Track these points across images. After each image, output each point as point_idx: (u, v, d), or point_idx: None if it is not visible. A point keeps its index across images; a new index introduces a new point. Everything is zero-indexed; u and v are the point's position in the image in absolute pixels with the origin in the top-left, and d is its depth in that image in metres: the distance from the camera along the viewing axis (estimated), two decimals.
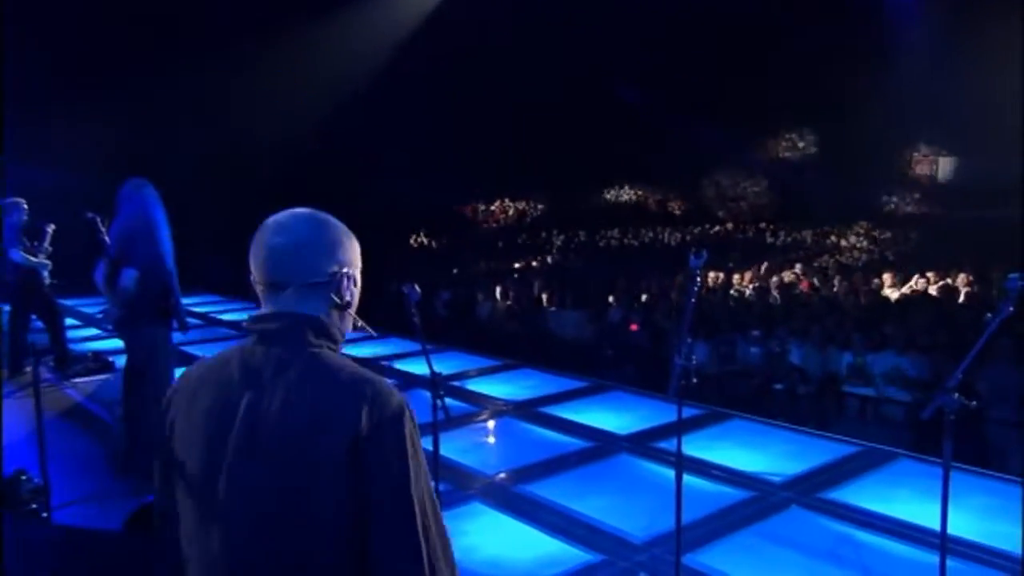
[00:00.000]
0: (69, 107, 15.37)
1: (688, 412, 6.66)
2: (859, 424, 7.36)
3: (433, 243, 21.69)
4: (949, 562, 3.95)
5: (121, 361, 4.78)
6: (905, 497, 4.80)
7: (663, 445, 5.76)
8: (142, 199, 4.54)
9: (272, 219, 1.48)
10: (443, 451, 3.69)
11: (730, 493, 4.93)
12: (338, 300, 1.46)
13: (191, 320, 11.01)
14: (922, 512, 4.55)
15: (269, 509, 1.33)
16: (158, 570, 1.48)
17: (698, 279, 2.40)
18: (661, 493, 4.87)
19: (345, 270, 1.47)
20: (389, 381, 1.42)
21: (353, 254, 1.50)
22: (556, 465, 5.47)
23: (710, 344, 9.08)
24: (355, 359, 1.48)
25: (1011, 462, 5.98)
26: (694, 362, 2.98)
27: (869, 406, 7.67)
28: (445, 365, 9.01)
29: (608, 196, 27.98)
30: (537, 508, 4.74)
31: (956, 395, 2.66)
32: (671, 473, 5.29)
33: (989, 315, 2.52)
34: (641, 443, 5.83)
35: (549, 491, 4.97)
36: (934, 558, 3.99)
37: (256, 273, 1.47)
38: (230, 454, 1.36)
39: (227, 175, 17.49)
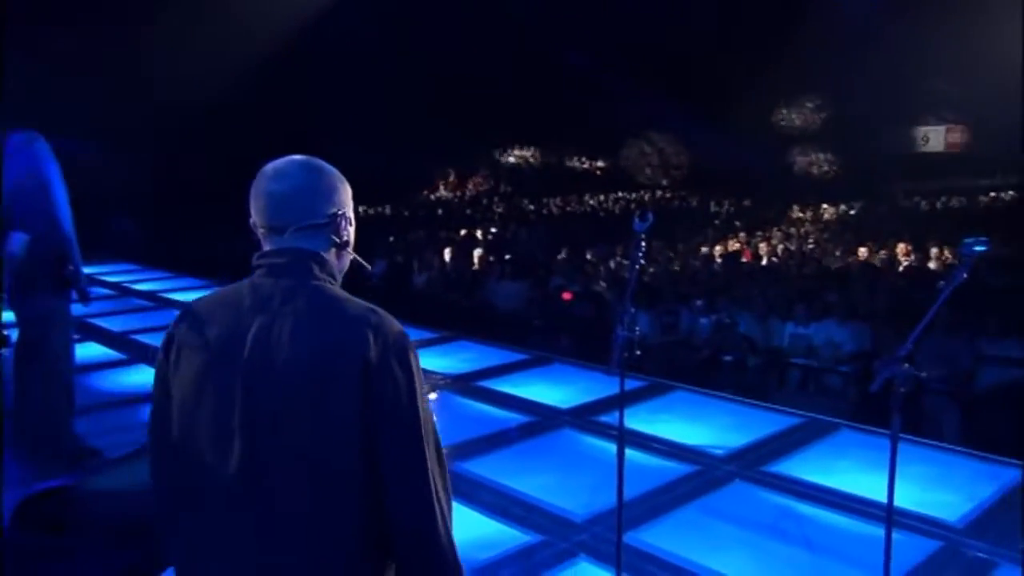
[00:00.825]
0: None
1: (630, 384, 6.63)
2: (802, 395, 7.47)
3: (371, 211, 21.26)
4: (882, 530, 4.04)
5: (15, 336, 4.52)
6: (847, 468, 4.86)
7: (605, 419, 5.73)
8: (33, 154, 4.18)
9: (270, 166, 1.60)
10: None
11: (673, 467, 4.92)
12: (337, 240, 1.61)
13: (98, 291, 10.56)
14: (864, 483, 4.61)
15: (286, 423, 1.45)
16: (156, 492, 1.60)
17: (643, 244, 2.29)
18: (603, 468, 4.80)
19: (342, 211, 1.61)
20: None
21: (347, 196, 1.64)
22: (495, 441, 5.39)
23: (652, 314, 9.09)
24: None
25: (945, 430, 6.15)
26: (637, 333, 2.89)
27: (811, 377, 7.80)
28: None
29: (552, 163, 27.92)
30: (474, 487, 4.64)
31: (906, 365, 2.64)
32: (614, 448, 5.31)
33: (942, 283, 2.48)
34: (582, 417, 5.79)
35: (487, 469, 4.88)
36: (877, 530, 4.06)
37: (257, 217, 1.59)
38: (243, 375, 1.47)
39: (142, 132, 16.74)
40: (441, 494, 1.53)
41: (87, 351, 7.76)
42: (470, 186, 27.43)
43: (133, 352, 7.69)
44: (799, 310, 8.19)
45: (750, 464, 4.94)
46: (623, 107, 22.68)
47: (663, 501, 4.44)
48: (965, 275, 2.43)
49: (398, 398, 1.49)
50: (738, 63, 20.66)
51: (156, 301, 10.53)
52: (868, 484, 4.59)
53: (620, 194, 24.88)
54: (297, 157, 1.63)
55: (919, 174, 22.17)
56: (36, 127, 4.30)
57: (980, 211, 18.91)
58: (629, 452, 5.12)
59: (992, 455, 5.03)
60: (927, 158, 23.67)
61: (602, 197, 23.98)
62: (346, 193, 1.65)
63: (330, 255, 1.61)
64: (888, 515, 2.96)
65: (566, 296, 10.07)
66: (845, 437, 5.44)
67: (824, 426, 5.61)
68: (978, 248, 2.41)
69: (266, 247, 1.60)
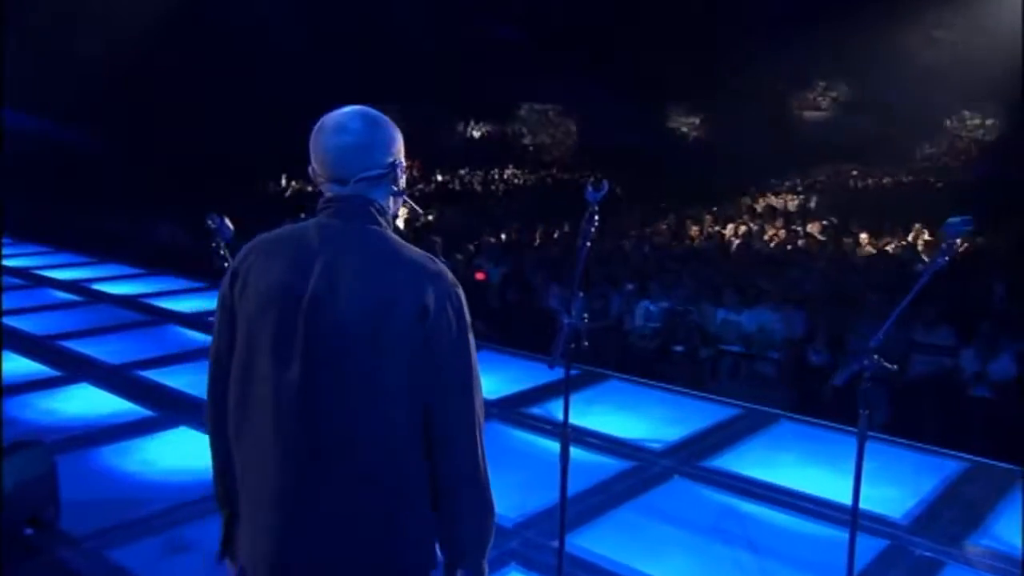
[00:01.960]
0: None
1: (562, 373, 6.52)
2: (735, 384, 7.46)
3: (293, 184, 20.42)
4: (830, 530, 4.00)
5: None
6: (788, 462, 4.80)
7: (535, 411, 5.53)
8: None
9: (329, 119, 1.70)
10: None
11: (609, 463, 4.75)
12: (395, 188, 1.74)
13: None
14: (808, 478, 4.56)
15: (343, 356, 1.59)
16: (218, 408, 1.74)
17: (596, 218, 2.03)
18: (534, 466, 4.62)
19: (399, 161, 1.73)
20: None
21: (402, 145, 1.76)
22: None
23: (581, 297, 8.94)
24: None
25: (872, 419, 6.19)
26: (585, 320, 2.67)
27: (743, 364, 7.79)
28: None
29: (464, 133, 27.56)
30: None
31: (876, 357, 2.50)
32: (544, 442, 5.13)
33: (920, 266, 2.34)
34: (510, 409, 5.56)
35: None
36: (824, 529, 4.01)
37: (319, 168, 1.71)
38: (306, 308, 1.60)
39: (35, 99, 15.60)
40: (481, 439, 1.70)
41: None
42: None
43: None
44: (730, 296, 8.19)
45: (689, 459, 4.82)
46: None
47: (598, 501, 4.27)
48: (946, 259, 2.29)
49: (452, 345, 1.63)
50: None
51: (31, 279, 9.80)
52: (812, 479, 4.54)
53: (514, 170, 24.85)
54: (355, 109, 1.74)
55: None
56: None
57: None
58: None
59: (933, 446, 5.06)
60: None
61: (514, 171, 23.76)
62: (401, 142, 1.77)
63: (387, 202, 1.75)
64: (853, 518, 2.84)
65: (479, 276, 9.83)
66: (785, 428, 5.40)
67: (763, 417, 5.55)
68: (963, 228, 2.27)
69: (328, 194, 1.73)
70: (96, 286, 9.39)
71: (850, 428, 5.13)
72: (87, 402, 5.57)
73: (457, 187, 22.06)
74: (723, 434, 5.23)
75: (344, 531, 1.65)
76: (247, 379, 1.68)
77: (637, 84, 23.24)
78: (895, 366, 2.47)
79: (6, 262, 10.65)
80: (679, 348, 7.74)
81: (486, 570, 1.75)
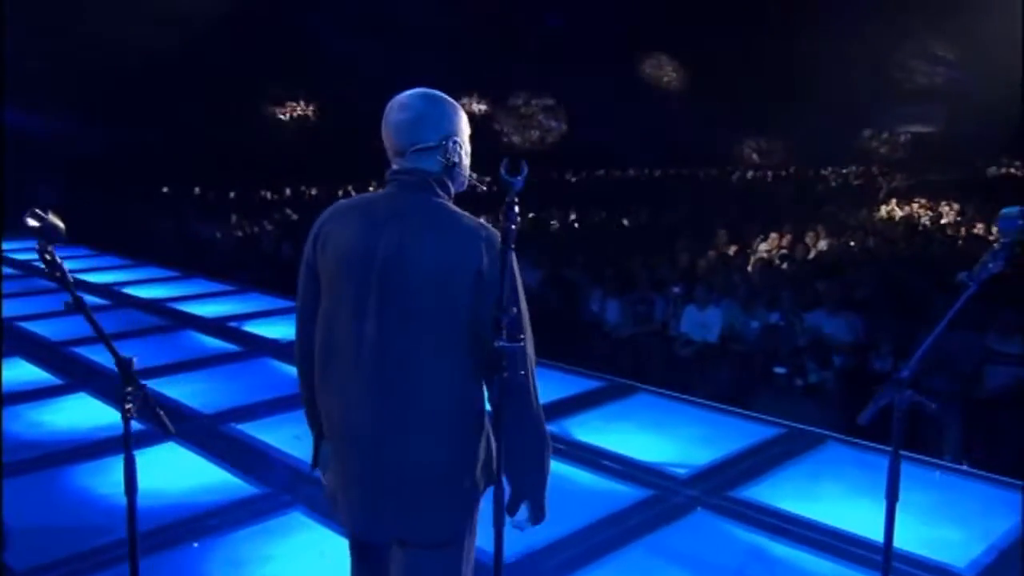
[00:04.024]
0: None
1: (587, 385, 6.03)
2: (787, 397, 6.82)
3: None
4: None
5: None
6: (833, 494, 4.21)
7: (551, 429, 5.03)
8: None
9: (395, 99, 1.99)
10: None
11: (623, 492, 4.24)
12: (444, 161, 1.96)
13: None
14: (853, 514, 3.97)
15: (411, 312, 1.88)
16: (305, 353, 2.06)
17: (516, 205, 1.64)
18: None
19: (452, 137, 1.97)
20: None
21: (460, 123, 2.00)
22: None
23: (623, 302, 8.41)
24: None
25: (945, 441, 5.53)
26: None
27: (798, 376, 7.13)
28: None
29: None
30: None
31: (908, 391, 1.96)
32: (558, 466, 4.65)
33: (964, 274, 1.80)
34: None
35: None
36: None
37: (386, 142, 2.00)
38: (378, 270, 1.89)
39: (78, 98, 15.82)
40: (535, 382, 1.95)
41: None
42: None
43: (12, 340, 6.95)
44: (785, 299, 7.54)
45: (716, 488, 4.26)
46: None
47: (606, 538, 3.76)
48: (1001, 263, 1.74)
49: (506, 301, 1.79)
50: None
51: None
52: (861, 515, 3.94)
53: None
54: (419, 90, 2.00)
55: None
56: None
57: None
58: (574, 471, 4.51)
59: (1005, 477, 4.38)
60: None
61: None
62: (459, 121, 2.00)
63: (443, 174, 1.97)
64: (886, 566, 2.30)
65: None
66: (833, 452, 4.78)
67: (808, 438, 4.95)
68: (1018, 224, 1.72)
69: (394, 167, 2.00)
70: (127, 289, 9.28)
71: (907, 454, 4.54)
72: (79, 414, 5.33)
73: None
74: (759, 458, 4.66)
75: (413, 461, 1.91)
76: (331, 328, 1.97)
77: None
78: (933, 404, 1.94)
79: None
80: (781, 370, 6.66)
81: (546, 504, 2.02)
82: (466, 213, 1.96)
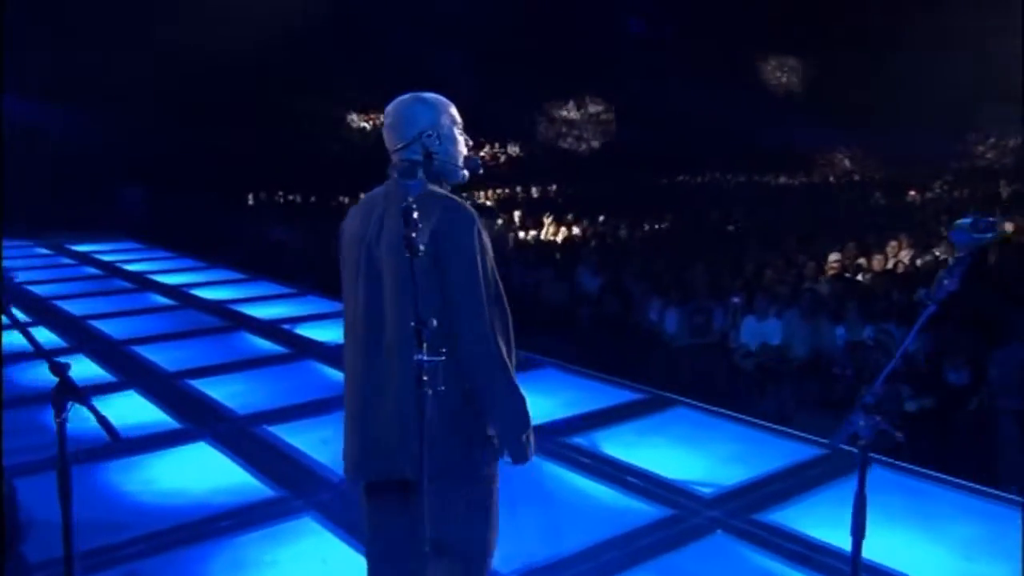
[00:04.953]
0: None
1: (625, 397, 5.87)
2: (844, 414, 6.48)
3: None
4: None
5: None
6: (868, 521, 3.94)
7: (577, 441, 4.93)
8: None
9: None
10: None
11: (642, 510, 4.09)
12: (421, 153, 2.21)
13: (88, 270, 10.25)
14: (887, 543, 3.71)
15: (386, 277, 2.14)
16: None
17: (415, 212, 1.61)
18: (554, 508, 4.05)
19: (427, 131, 2.21)
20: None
21: (437, 118, 2.24)
22: None
23: (681, 312, 8.19)
24: None
25: (1006, 457, 5.14)
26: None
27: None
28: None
29: None
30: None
31: (877, 417, 1.80)
32: (576, 479, 4.53)
33: (923, 292, 1.63)
34: (549, 437, 4.97)
35: None
36: None
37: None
38: (371, 241, 2.18)
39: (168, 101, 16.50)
40: (498, 339, 2.12)
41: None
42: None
43: (77, 340, 7.26)
44: (852, 310, 7.18)
45: (741, 510, 4.06)
46: None
47: (615, 558, 3.62)
48: (957, 280, 1.56)
49: (459, 259, 2.06)
50: None
51: (140, 283, 10.16)
52: (892, 545, 3.69)
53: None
54: (400, 96, 2.27)
55: None
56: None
57: None
58: (594, 486, 4.39)
59: None
60: None
61: None
62: (436, 116, 2.24)
63: (426, 163, 2.19)
64: None
65: None
66: (875, 477, 4.46)
67: (851, 461, 4.65)
68: (980, 236, 1.53)
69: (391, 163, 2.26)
70: (195, 291, 9.59)
71: (956, 480, 4.25)
72: (124, 411, 5.49)
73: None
74: (794, 480, 4.42)
75: (403, 413, 2.09)
76: (344, 302, 2.27)
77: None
78: (899, 434, 1.77)
79: (129, 267, 11.19)
80: (869, 400, 6.21)
81: (528, 451, 2.18)
82: (440, 191, 2.17)
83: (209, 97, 17.40)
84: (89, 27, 15.34)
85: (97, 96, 15.57)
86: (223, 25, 15.73)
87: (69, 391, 2.20)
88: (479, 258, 2.09)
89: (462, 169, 2.28)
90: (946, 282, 1.64)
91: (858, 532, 2.03)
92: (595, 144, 26.41)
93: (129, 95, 15.93)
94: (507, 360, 2.13)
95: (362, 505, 2.30)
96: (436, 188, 2.17)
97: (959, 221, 1.64)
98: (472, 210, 2.13)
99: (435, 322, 1.86)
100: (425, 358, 1.80)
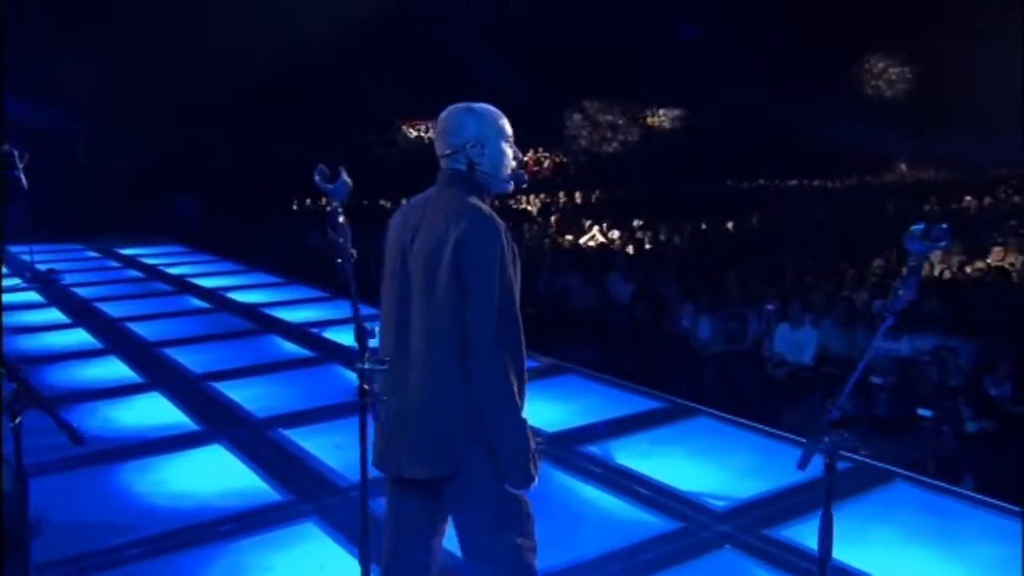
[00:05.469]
0: (51, 44, 14.97)
1: (647, 405, 5.77)
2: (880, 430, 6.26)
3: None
4: None
5: None
6: (884, 538, 3.80)
7: (591, 450, 4.84)
8: None
9: None
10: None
11: (650, 522, 3.99)
12: (466, 162, 2.29)
13: (129, 272, 10.48)
14: (900, 563, 3.57)
15: (417, 279, 2.24)
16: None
17: (341, 218, 1.55)
18: (561, 517, 3.98)
19: (470, 143, 2.28)
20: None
21: (484, 130, 2.30)
22: None
23: (715, 318, 8.02)
24: None
25: None
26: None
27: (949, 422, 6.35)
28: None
29: None
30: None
31: (844, 435, 1.71)
32: (585, 489, 4.44)
33: (879, 303, 1.54)
34: (563, 445, 4.90)
35: None
36: None
37: None
38: (406, 247, 2.27)
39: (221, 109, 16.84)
40: (507, 358, 2.14)
41: (68, 338, 7.57)
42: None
43: (111, 342, 7.41)
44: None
45: (753, 524, 3.94)
46: None
47: (615, 570, 3.53)
48: (912, 289, 1.47)
49: (476, 267, 2.12)
50: None
51: (179, 286, 10.35)
52: (909, 565, 3.55)
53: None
54: (452, 105, 2.33)
55: None
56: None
57: None
58: (603, 496, 4.30)
59: None
60: None
61: None
62: (484, 127, 2.30)
63: (469, 173, 2.28)
64: None
65: None
66: (899, 492, 4.33)
67: (874, 474, 4.50)
68: (932, 244, 1.44)
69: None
70: (231, 294, 9.73)
71: (983, 498, 4.06)
72: (147, 412, 5.59)
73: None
74: (812, 494, 4.25)
75: (408, 399, 2.21)
76: (382, 299, 2.36)
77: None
78: (862, 451, 1.67)
79: (171, 271, 11.41)
80: (926, 412, 5.79)
81: (532, 475, 2.19)
82: (477, 204, 2.23)
83: (261, 106, 17.71)
84: (139, 40, 15.75)
85: (150, 108, 15.97)
86: (275, 33, 16.01)
87: (26, 397, 2.20)
88: (497, 274, 2.13)
89: (507, 182, 2.34)
90: (901, 292, 1.54)
91: (825, 551, 1.92)
92: (640, 149, 26.19)
93: (183, 105, 16.30)
94: (510, 383, 2.14)
95: (386, 495, 2.41)
96: (473, 199, 2.23)
97: (912, 228, 1.54)
98: (499, 224, 2.17)
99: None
100: (364, 366, 1.78)
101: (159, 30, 15.78)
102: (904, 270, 1.56)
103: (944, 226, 1.51)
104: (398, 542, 2.36)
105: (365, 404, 1.72)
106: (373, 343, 2.09)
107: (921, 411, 5.89)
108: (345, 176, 2.02)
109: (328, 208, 1.61)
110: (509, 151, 2.33)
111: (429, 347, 2.19)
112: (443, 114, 2.34)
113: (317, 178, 1.66)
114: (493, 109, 2.35)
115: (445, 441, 2.20)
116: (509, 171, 2.34)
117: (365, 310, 2.17)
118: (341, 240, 1.58)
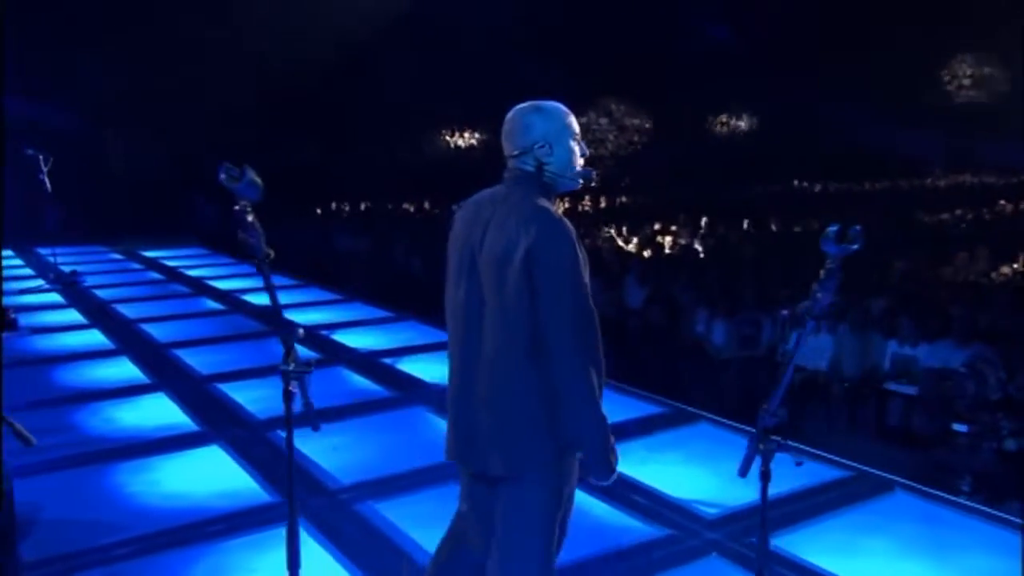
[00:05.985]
0: (77, 48, 15.28)
1: (649, 410, 5.71)
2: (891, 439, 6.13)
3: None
4: None
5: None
6: (879, 550, 3.72)
7: None
8: None
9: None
10: None
11: (638, 529, 3.95)
12: (534, 162, 2.30)
13: (150, 275, 10.60)
14: (892, 571, 3.49)
15: (487, 281, 2.26)
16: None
17: (248, 216, 1.52)
18: None
19: (540, 142, 2.29)
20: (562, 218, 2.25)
21: (551, 130, 2.31)
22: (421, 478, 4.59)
23: (730, 323, 7.93)
24: None
25: None
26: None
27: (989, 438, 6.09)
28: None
29: None
30: (368, 536, 3.90)
31: (777, 440, 1.67)
32: (579, 496, 4.37)
33: (803, 306, 1.50)
34: None
35: (396, 513, 4.12)
36: None
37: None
38: (475, 245, 2.29)
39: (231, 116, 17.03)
40: (589, 356, 2.20)
41: (83, 339, 7.69)
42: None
43: (124, 343, 7.51)
44: (905, 325, 6.83)
45: (743, 532, 3.87)
46: None
47: None
48: (831, 293, 1.43)
49: (549, 273, 2.14)
50: None
51: (196, 288, 10.48)
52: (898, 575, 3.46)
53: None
54: (521, 104, 2.35)
55: None
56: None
57: None
58: (592, 502, 4.26)
59: None
60: None
61: None
62: (551, 127, 2.31)
63: (537, 174, 2.29)
64: None
65: None
66: (897, 501, 4.24)
67: (874, 484, 4.41)
68: (847, 246, 1.40)
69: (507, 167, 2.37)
70: (246, 296, 9.80)
71: (977, 506, 3.96)
72: (150, 412, 5.65)
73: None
74: (809, 503, 4.20)
75: (476, 401, 2.28)
76: (447, 295, 2.40)
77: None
78: (801, 460, 1.64)
79: (191, 272, 11.55)
80: (962, 427, 5.52)
81: (614, 468, 2.28)
82: (541, 203, 2.24)
83: (286, 109, 17.88)
84: (165, 45, 15.99)
85: (176, 112, 16.20)
86: (308, 42, 16.18)
87: None
88: (570, 278, 2.16)
89: (574, 180, 2.35)
90: (820, 295, 1.50)
91: (762, 562, 1.88)
92: (664, 152, 26.04)
93: (208, 109, 16.51)
94: (591, 381, 2.19)
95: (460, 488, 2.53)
96: (542, 201, 2.24)
97: (827, 230, 1.50)
98: (569, 228, 2.19)
99: (301, 331, 1.95)
100: (285, 367, 1.80)
101: (184, 34, 16.00)
102: (822, 273, 1.52)
103: (858, 228, 1.46)
104: (458, 537, 2.54)
105: (289, 407, 1.71)
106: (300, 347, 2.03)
107: (956, 426, 5.61)
108: (252, 175, 1.90)
109: (235, 208, 1.58)
110: (577, 149, 2.34)
111: (499, 343, 2.22)
112: (511, 114, 2.35)
113: (223, 176, 1.61)
114: (561, 107, 2.36)
115: (512, 437, 2.25)
116: (577, 169, 2.35)
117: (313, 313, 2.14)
118: (252, 241, 1.56)
